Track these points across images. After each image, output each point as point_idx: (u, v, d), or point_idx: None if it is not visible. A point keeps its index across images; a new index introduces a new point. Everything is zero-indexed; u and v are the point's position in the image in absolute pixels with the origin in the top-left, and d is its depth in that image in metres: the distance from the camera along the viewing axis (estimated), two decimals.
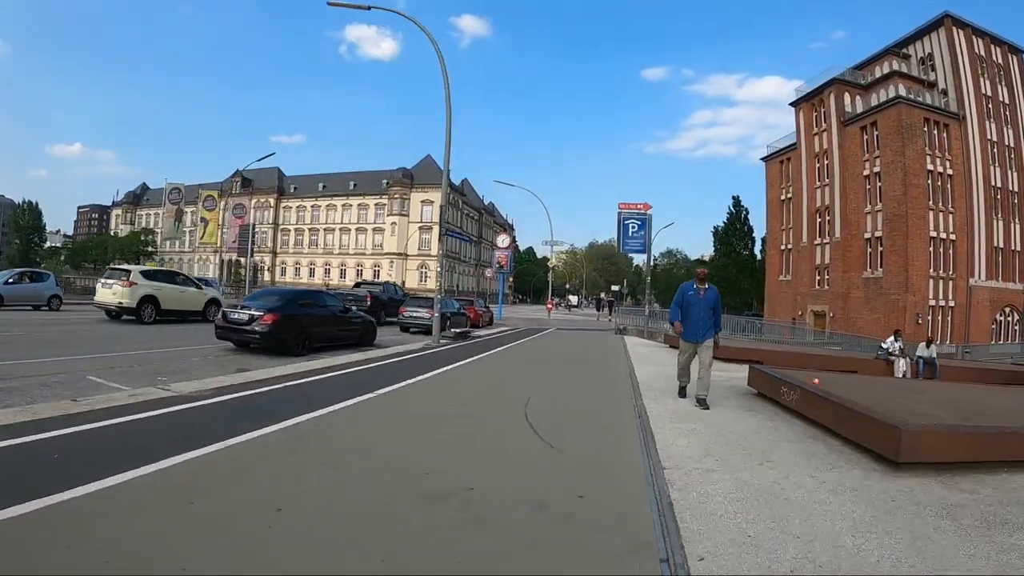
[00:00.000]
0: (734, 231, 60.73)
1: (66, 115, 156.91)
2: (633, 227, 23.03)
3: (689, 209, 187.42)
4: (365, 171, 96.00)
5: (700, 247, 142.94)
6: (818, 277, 41.70)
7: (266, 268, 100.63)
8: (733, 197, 61.64)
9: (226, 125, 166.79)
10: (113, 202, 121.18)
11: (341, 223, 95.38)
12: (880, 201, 37.08)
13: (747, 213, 60.99)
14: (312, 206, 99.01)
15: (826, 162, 41.64)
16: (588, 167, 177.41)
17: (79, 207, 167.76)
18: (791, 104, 45.43)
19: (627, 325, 26.91)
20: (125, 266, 18.68)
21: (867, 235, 37.78)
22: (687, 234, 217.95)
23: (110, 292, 16.36)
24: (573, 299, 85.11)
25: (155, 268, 23.96)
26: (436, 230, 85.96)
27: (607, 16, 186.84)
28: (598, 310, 50.66)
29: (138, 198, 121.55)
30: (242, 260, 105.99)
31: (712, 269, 61.19)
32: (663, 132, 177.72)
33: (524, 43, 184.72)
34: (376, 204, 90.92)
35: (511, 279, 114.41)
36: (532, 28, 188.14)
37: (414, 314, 21.52)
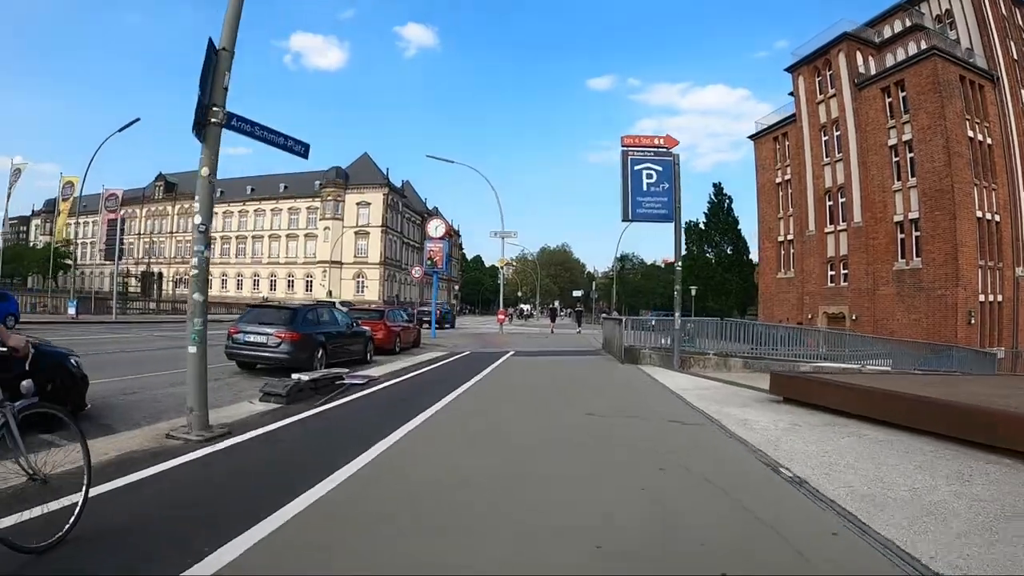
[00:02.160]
0: (716, 224, 52.94)
1: (3, 126, 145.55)
2: (649, 176, 12.77)
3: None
4: (296, 172, 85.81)
5: (656, 252, 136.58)
6: (832, 272, 34.13)
7: (188, 280, 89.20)
8: (714, 185, 54.25)
9: (174, 135, 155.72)
10: (33, 211, 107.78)
11: (271, 229, 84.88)
12: (914, 175, 29.76)
13: (731, 202, 53.44)
14: (240, 211, 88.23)
15: (836, 133, 34.32)
16: (534, 176, 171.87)
17: (8, 219, 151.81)
18: (787, 69, 38.18)
19: (637, 345, 14.41)
20: None
21: (898, 218, 30.37)
22: (637, 239, 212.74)
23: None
24: (526, 308, 76.44)
25: None
26: (375, 233, 77.54)
27: (554, 26, 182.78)
28: (552, 320, 42.44)
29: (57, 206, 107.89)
30: (164, 272, 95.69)
31: (687, 270, 53.80)
32: (608, 141, 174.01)
33: (470, 53, 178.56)
34: (308, 208, 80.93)
35: (457, 287, 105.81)
36: (478, 38, 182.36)
37: (253, 337, 11.38)
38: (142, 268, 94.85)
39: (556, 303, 70.31)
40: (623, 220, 13.25)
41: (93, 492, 3.31)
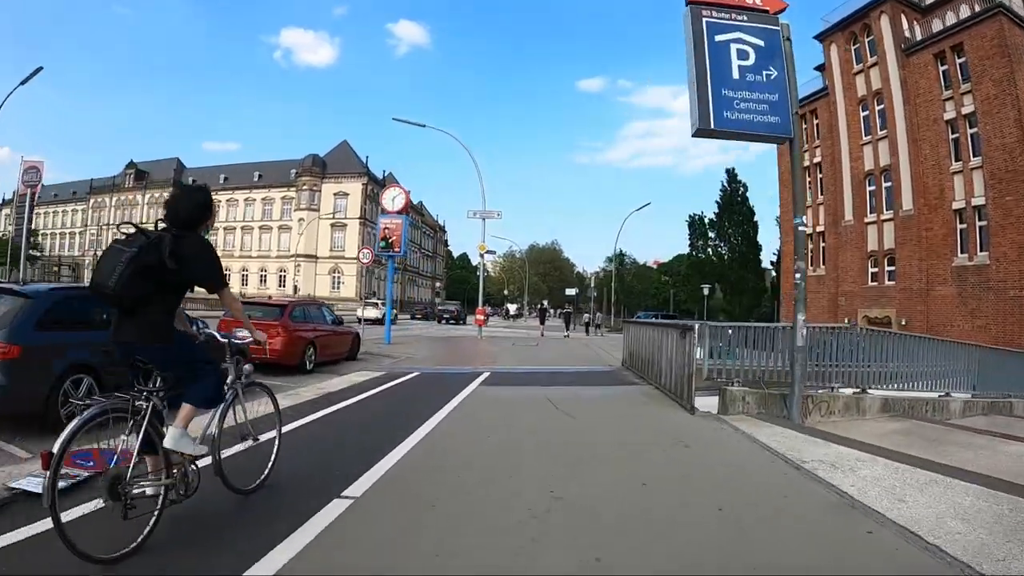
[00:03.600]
0: (730, 215, 46.35)
1: None
2: (743, 56, 6.90)
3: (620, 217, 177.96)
4: (272, 161, 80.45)
5: (647, 252, 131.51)
6: (874, 269, 29.28)
7: None
8: (727, 171, 48.04)
9: (162, 130, 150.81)
10: (3, 200, 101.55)
11: (243, 220, 79.33)
12: (977, 154, 24.96)
13: (745, 190, 47.23)
14: (228, 200, 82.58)
15: (878, 107, 29.49)
16: (522, 176, 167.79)
17: None
18: (816, 37, 33.24)
19: (715, 376, 8.03)
20: None
21: (958, 204, 25.56)
22: (626, 237, 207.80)
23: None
24: (512, 307, 71.18)
25: None
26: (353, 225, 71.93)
27: (544, 27, 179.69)
28: (541, 322, 37.65)
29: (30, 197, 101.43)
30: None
31: (692, 268, 48.74)
32: (599, 143, 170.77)
33: (460, 52, 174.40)
34: (283, 198, 75.53)
35: (439, 284, 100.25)
36: (469, 37, 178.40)
37: None
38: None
39: (545, 303, 65.18)
40: (698, 130, 7.08)
41: None
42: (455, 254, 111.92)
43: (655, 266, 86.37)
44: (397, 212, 19.60)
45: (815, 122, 33.74)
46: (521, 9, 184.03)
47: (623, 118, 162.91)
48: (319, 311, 12.61)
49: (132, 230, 3.08)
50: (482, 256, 26.81)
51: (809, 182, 33.26)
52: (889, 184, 28.53)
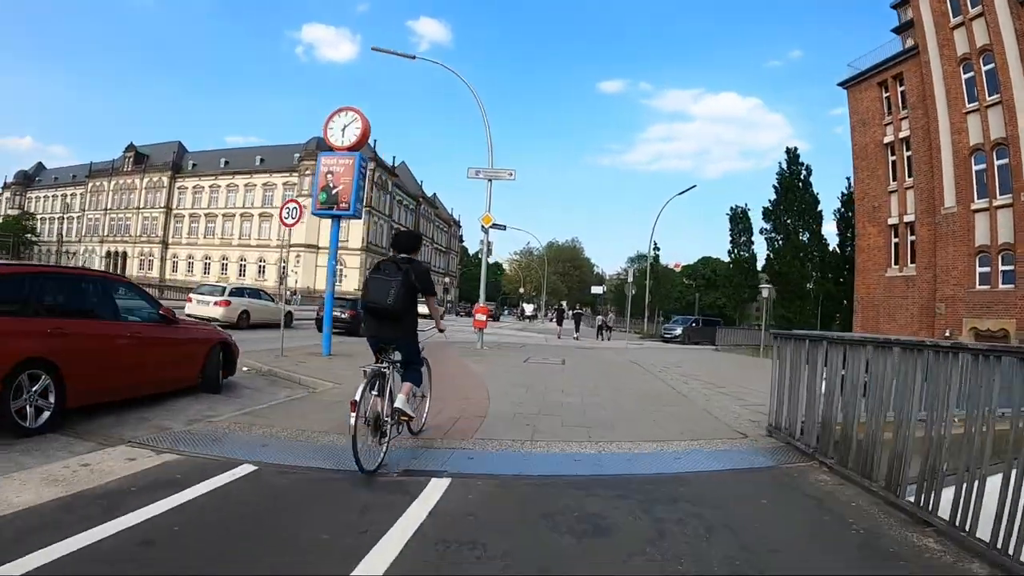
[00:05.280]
0: (790, 203, 37.65)
1: (15, 107, 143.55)
2: None
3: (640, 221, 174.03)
4: (274, 145, 75.60)
5: (668, 255, 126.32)
6: (983, 268, 23.24)
7: (155, 261, 79.39)
8: (788, 150, 40.30)
9: (180, 124, 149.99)
10: (5, 183, 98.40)
11: (243, 207, 74.53)
12: None
13: (808, 173, 38.90)
14: (211, 186, 78.16)
15: (986, 68, 23.50)
16: (541, 177, 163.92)
17: None
18: None
19: None
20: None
21: None
22: (645, 241, 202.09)
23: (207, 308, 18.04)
24: (528, 308, 65.37)
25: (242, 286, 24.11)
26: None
27: (565, 27, 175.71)
28: (558, 323, 32.51)
29: (30, 179, 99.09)
30: (128, 251, 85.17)
31: (735, 267, 42.63)
32: (618, 145, 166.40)
33: (481, 51, 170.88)
34: (285, 183, 70.57)
35: (448, 280, 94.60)
36: (490, 37, 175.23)
37: None
38: (108, 247, 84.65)
39: (563, 303, 59.64)
40: None
41: None
42: (470, 251, 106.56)
43: (676, 269, 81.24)
44: (346, 148, 12.48)
45: (899, 89, 27.70)
46: (540, 10, 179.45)
47: (644, 121, 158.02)
48: (142, 295, 6.77)
49: (387, 262, 4.76)
50: (485, 231, 18.37)
51: (893, 161, 27.29)
52: (1004, 161, 22.51)
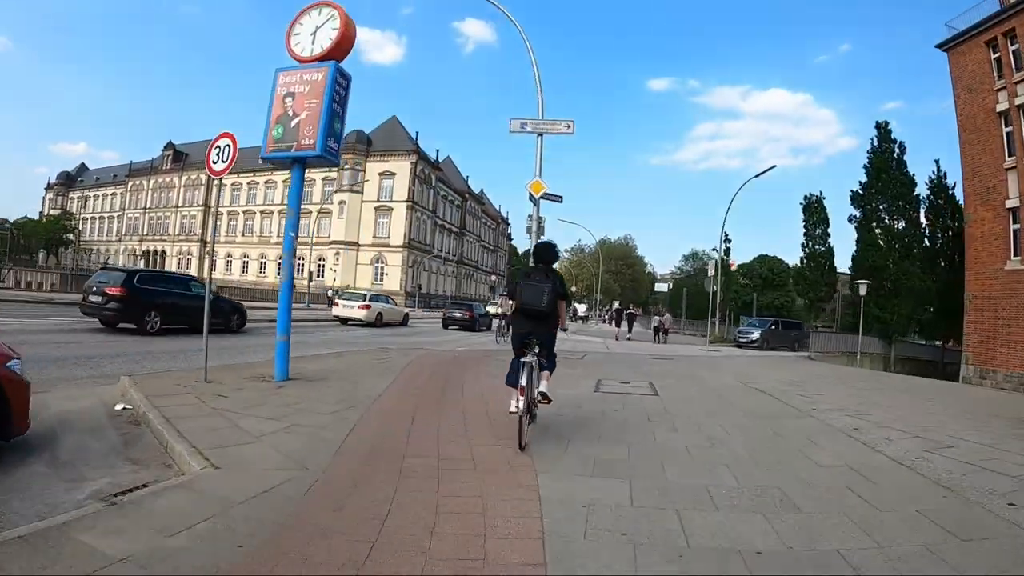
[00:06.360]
0: (883, 185, 32.75)
1: (70, 114, 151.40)
2: None
3: (692, 219, 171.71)
4: None
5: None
6: None
7: (193, 259, 78.92)
8: (878, 126, 34.34)
9: (221, 123, 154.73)
10: (48, 184, 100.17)
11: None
12: None
13: (903, 152, 33.41)
14: (249, 183, 77.09)
15: None
16: (592, 177, 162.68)
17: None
18: None
19: None
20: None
21: None
22: (694, 240, 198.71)
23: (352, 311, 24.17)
24: (581, 308, 63.07)
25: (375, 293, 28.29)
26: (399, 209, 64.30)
27: (613, 25, 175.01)
28: (617, 325, 30.17)
29: (72, 179, 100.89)
30: (167, 250, 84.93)
31: (812, 263, 39.10)
32: (668, 144, 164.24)
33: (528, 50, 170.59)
34: (324, 178, 68.99)
35: (494, 277, 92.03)
36: (536, 35, 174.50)
37: None
38: (147, 246, 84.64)
39: (616, 303, 57.03)
40: None
41: None
42: (519, 251, 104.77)
43: (732, 267, 77.98)
44: (313, 59, 8.38)
45: (1011, 48, 24.46)
46: (587, 8, 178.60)
47: (692, 119, 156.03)
48: None
49: (536, 270, 5.64)
50: (535, 202, 14.16)
51: (1009, 132, 24.16)
52: None
